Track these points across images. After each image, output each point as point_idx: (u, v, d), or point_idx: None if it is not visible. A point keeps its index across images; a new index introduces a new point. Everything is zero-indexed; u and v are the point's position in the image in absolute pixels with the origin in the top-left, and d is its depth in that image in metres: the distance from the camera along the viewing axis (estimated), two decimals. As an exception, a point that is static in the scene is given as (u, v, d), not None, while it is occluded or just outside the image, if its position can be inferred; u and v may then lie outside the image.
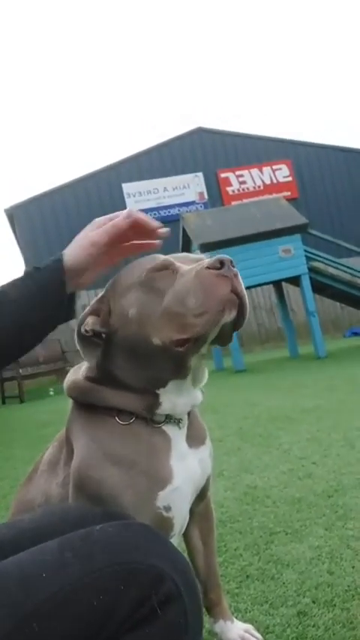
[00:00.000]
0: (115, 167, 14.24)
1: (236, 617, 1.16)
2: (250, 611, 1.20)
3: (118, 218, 0.87)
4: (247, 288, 6.14)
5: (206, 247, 6.74)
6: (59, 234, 13.55)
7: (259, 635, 1.08)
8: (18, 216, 13.29)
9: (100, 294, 0.92)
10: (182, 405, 0.89)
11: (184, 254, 0.94)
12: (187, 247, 7.69)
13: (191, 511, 1.00)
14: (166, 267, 0.84)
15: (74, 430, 0.92)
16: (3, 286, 0.81)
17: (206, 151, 14.93)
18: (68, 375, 0.97)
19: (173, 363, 0.84)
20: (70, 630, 0.58)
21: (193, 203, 14.61)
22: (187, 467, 0.91)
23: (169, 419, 0.90)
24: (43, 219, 13.37)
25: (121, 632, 0.60)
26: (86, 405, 0.92)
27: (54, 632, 0.57)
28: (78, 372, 0.96)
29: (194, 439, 0.96)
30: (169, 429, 0.90)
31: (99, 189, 13.94)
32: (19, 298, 0.79)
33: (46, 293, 0.81)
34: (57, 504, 0.88)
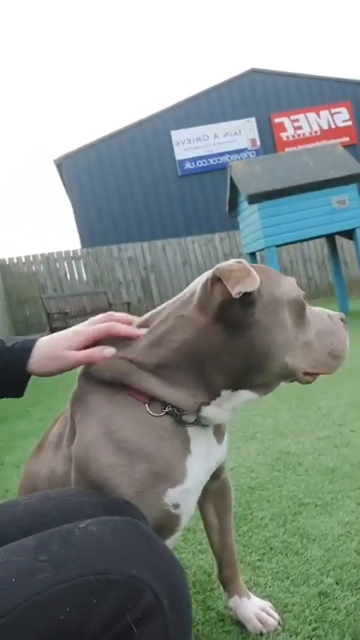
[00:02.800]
0: (163, 114, 13.79)
1: (255, 592, 1.13)
2: (269, 587, 1.16)
3: (95, 350, 0.84)
4: (299, 241, 5.92)
5: (254, 198, 6.46)
6: (105, 184, 13.46)
7: (276, 615, 1.04)
8: (66, 166, 13.25)
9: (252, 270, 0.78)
10: (222, 415, 0.85)
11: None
12: (234, 198, 7.41)
13: (206, 489, 0.95)
14: (303, 295, 0.86)
15: (83, 407, 0.85)
16: None
17: (259, 95, 14.16)
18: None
19: (273, 380, 0.84)
20: None
21: (244, 150, 14.03)
22: (203, 465, 0.87)
23: (197, 422, 0.84)
24: (89, 169, 13.29)
25: None
26: (108, 384, 0.84)
27: None
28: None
29: (219, 433, 0.92)
30: (191, 429, 0.84)
31: (146, 138, 13.61)
32: None
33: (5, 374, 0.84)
34: (56, 489, 0.83)
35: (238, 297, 0.72)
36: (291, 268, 11.26)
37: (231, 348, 0.78)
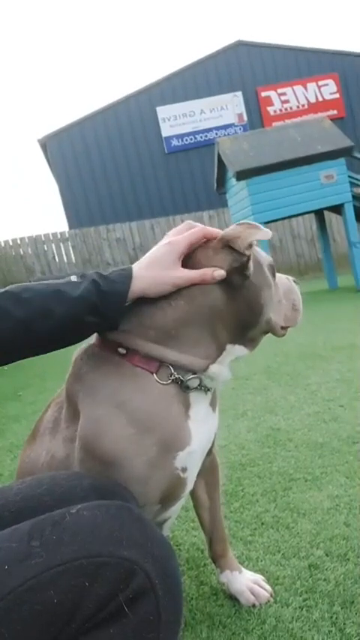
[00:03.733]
0: (148, 90, 13.54)
1: (247, 566, 1.15)
2: (261, 560, 1.19)
3: (205, 271, 0.82)
4: (287, 217, 5.91)
5: (242, 174, 6.42)
6: (91, 163, 13.27)
7: (268, 587, 1.06)
8: (51, 145, 13.01)
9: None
10: (225, 372, 0.90)
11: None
12: (222, 175, 7.34)
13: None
14: None
15: (86, 385, 0.85)
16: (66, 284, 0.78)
17: (245, 68, 13.92)
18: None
19: (259, 335, 0.94)
20: (27, 629, 0.54)
21: (231, 125, 13.84)
22: (203, 430, 0.90)
23: (200, 386, 0.87)
24: (74, 148, 13.06)
25: (81, 632, 0.56)
26: (108, 354, 0.85)
27: (9, 631, 0.54)
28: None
29: (214, 404, 0.96)
30: (193, 395, 0.87)
31: (131, 115, 13.37)
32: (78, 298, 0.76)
33: (105, 304, 0.78)
34: (48, 474, 0.84)
35: (248, 252, 0.82)
36: (280, 246, 11.25)
37: (232, 307, 0.86)
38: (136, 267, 0.82)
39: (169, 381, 0.84)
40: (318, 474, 1.56)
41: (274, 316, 0.94)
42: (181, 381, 0.84)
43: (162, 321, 0.83)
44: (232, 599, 1.07)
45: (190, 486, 0.91)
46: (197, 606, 1.07)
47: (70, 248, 10.46)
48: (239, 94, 13.93)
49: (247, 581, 1.07)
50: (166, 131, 13.63)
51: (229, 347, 0.88)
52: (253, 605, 1.03)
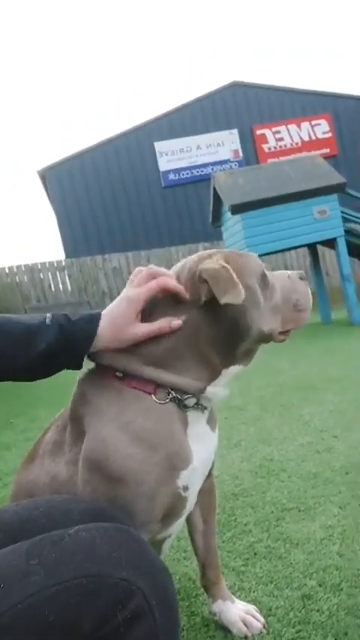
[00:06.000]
0: (147, 125, 13.91)
1: (239, 597, 1.14)
2: (254, 591, 1.17)
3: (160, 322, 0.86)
4: (281, 251, 5.97)
5: (237, 208, 6.54)
6: (89, 195, 13.49)
7: (261, 618, 1.05)
8: (50, 177, 13.25)
9: (225, 258, 0.87)
10: (222, 392, 0.91)
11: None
12: (217, 208, 7.49)
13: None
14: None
15: (92, 407, 0.87)
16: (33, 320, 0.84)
17: (241, 107, 14.36)
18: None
19: (253, 349, 0.91)
20: None
21: (227, 161, 14.17)
22: (203, 449, 0.92)
23: (197, 405, 0.89)
24: (73, 180, 13.30)
25: None
26: (109, 380, 0.87)
27: None
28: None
29: (212, 422, 0.97)
30: (191, 413, 0.89)
31: (129, 149, 13.69)
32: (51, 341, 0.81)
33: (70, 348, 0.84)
34: (44, 497, 0.85)
35: (224, 302, 0.80)
36: (274, 278, 11.36)
37: (217, 330, 0.85)
38: (100, 326, 0.85)
39: (167, 401, 0.86)
40: (311, 504, 1.56)
41: (267, 325, 0.90)
42: (179, 399, 0.87)
43: (155, 349, 0.86)
44: (224, 629, 1.05)
45: (190, 505, 0.92)
46: (188, 637, 1.05)
47: (67, 277, 10.53)
48: (235, 131, 14.34)
49: (239, 612, 1.05)
50: (163, 165, 13.93)
51: (224, 372, 0.89)
52: (245, 637, 1.02)
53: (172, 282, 0.87)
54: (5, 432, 3.24)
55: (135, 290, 0.87)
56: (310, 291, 0.97)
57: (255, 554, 1.33)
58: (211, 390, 0.88)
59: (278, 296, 0.93)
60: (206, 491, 1.06)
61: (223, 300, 0.80)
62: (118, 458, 0.82)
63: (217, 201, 7.30)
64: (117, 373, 0.87)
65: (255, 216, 6.59)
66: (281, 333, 0.94)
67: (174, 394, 0.86)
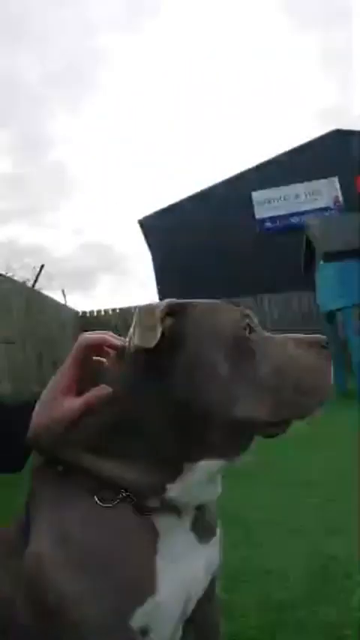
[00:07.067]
0: (244, 175, 14.08)
1: None
2: None
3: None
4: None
5: (330, 257, 6.19)
6: (188, 243, 13.80)
7: None
8: (149, 225, 13.81)
9: (168, 303, 0.68)
10: (197, 495, 0.68)
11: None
12: (310, 258, 7.17)
13: (188, 621, 0.74)
14: (249, 325, 0.69)
15: (34, 505, 0.70)
16: None
17: (342, 155, 14.04)
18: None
19: (232, 439, 0.66)
20: None
21: (327, 209, 13.82)
22: (180, 571, 0.67)
23: (165, 506, 0.66)
24: (171, 229, 13.72)
25: None
26: (54, 466, 0.70)
27: None
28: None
29: (202, 529, 0.71)
30: (160, 517, 0.67)
31: (226, 197, 13.88)
32: None
33: None
34: None
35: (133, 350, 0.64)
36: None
37: (167, 406, 0.64)
38: (36, 407, 0.71)
39: (116, 502, 0.65)
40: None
41: (241, 410, 0.64)
42: (134, 500, 0.65)
43: (92, 431, 0.67)
44: None
45: None
46: None
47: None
48: (335, 179, 14.02)
49: None
50: (259, 213, 13.91)
51: (190, 466, 0.65)
52: None
53: (93, 337, 0.70)
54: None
55: (64, 365, 0.72)
56: (329, 367, 0.69)
57: None
58: (175, 490, 0.65)
59: (266, 370, 0.66)
60: (203, 626, 0.80)
61: (133, 345, 0.64)
62: (50, 585, 0.62)
63: (310, 250, 7.00)
64: (58, 467, 0.69)
65: (349, 264, 6.18)
66: (273, 423, 0.66)
67: (124, 493, 0.65)
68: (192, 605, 0.71)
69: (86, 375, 0.72)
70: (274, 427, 0.67)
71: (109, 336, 0.72)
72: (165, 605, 0.65)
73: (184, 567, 0.68)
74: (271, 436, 0.67)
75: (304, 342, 0.69)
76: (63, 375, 0.71)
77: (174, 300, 0.69)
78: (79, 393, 0.70)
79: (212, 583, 0.76)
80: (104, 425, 0.67)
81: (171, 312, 0.67)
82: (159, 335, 0.62)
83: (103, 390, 0.69)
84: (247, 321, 0.69)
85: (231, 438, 0.66)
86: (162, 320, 0.64)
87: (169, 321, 0.66)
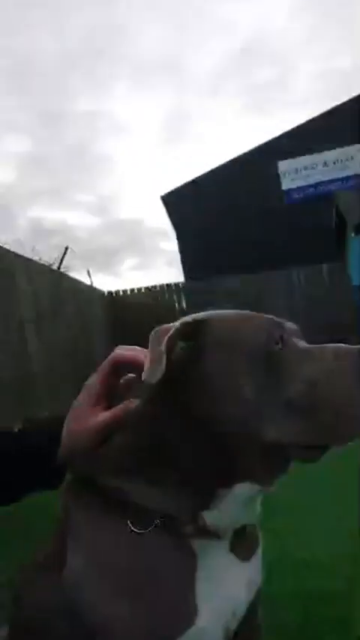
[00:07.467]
0: (269, 144, 13.68)
1: None
2: None
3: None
4: None
5: (361, 229, 5.99)
6: (212, 219, 13.61)
7: None
8: (173, 200, 13.64)
9: (186, 321, 0.64)
10: (235, 519, 0.64)
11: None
12: (342, 230, 6.96)
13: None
14: (282, 337, 0.62)
15: (69, 527, 0.68)
16: None
17: (372, 118, 13.47)
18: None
19: (265, 463, 0.61)
20: None
21: (358, 176, 13.35)
22: (222, 595, 0.64)
23: (201, 531, 0.62)
24: (195, 203, 13.52)
25: None
26: (87, 486, 0.67)
27: None
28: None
29: (243, 549, 0.68)
30: (197, 540, 0.63)
31: (251, 169, 13.55)
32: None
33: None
34: None
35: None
36: None
37: (192, 429, 0.60)
38: (65, 422, 0.69)
39: (150, 528, 0.61)
40: None
41: (269, 432, 0.58)
42: (169, 526, 0.61)
43: (123, 451, 0.64)
44: None
45: None
46: None
47: (183, 298, 10.63)
48: (366, 144, 13.50)
49: None
50: (286, 184, 13.54)
51: (224, 492, 0.61)
52: None
53: (124, 354, 0.67)
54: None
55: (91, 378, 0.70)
56: None
57: None
58: (211, 515, 0.61)
59: (298, 388, 0.59)
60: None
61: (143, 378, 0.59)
62: (87, 610, 0.60)
63: (341, 222, 6.78)
64: (91, 488, 0.66)
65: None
66: (308, 447, 0.59)
67: (159, 520, 0.61)
68: (234, 627, 0.68)
69: (115, 392, 0.69)
70: (309, 452, 0.60)
71: (141, 353, 0.68)
72: (207, 631, 0.62)
73: (225, 590, 0.64)
74: (310, 461, 0.60)
75: (346, 353, 0.60)
76: (90, 388, 0.69)
77: (189, 318, 0.64)
78: (107, 408, 0.68)
79: (254, 601, 0.73)
80: (134, 447, 0.64)
81: (184, 333, 0.62)
82: (163, 371, 0.58)
83: (130, 404, 0.66)
84: (279, 332, 0.62)
85: (264, 462, 0.61)
86: (171, 348, 0.60)
87: (182, 345, 0.62)
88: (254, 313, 0.65)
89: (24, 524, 1.78)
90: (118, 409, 0.67)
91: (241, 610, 0.69)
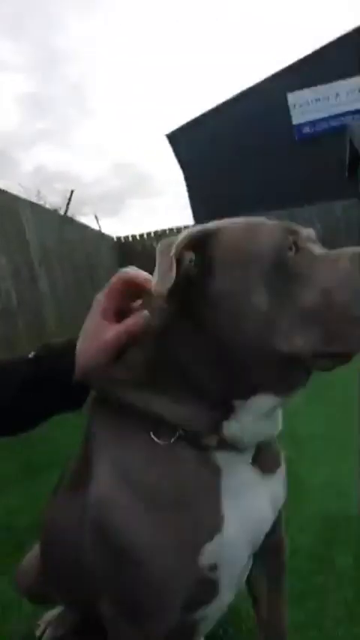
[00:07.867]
0: (277, 76, 13.00)
1: None
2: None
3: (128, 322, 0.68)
4: None
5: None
6: (218, 155, 13.18)
7: None
8: (179, 138, 13.22)
9: (195, 231, 0.61)
10: (255, 432, 0.63)
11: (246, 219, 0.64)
12: (355, 163, 6.72)
13: (255, 556, 0.75)
14: (296, 243, 0.59)
15: (95, 444, 0.69)
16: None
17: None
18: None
19: (282, 374, 0.60)
20: None
21: (372, 108, 12.73)
22: (247, 507, 0.65)
23: (223, 444, 0.63)
24: (202, 141, 13.08)
25: None
26: (107, 408, 0.68)
27: None
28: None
29: (265, 463, 0.69)
30: (221, 454, 0.64)
31: (260, 104, 12.97)
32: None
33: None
34: None
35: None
36: None
37: (205, 341, 0.60)
38: (79, 341, 0.71)
39: (173, 440, 0.62)
40: None
41: (283, 342, 0.56)
42: (193, 438, 0.62)
43: (138, 364, 0.65)
44: None
45: (226, 591, 0.68)
46: None
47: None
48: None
49: None
50: (297, 118, 12.99)
51: (238, 403, 0.61)
52: None
53: (131, 273, 0.67)
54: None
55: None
56: None
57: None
58: (231, 426, 0.61)
59: (312, 295, 0.56)
60: (270, 549, 0.80)
61: (152, 289, 0.58)
62: (115, 525, 0.62)
63: (354, 154, 6.53)
64: (113, 404, 0.67)
65: None
66: (323, 355, 0.57)
67: (182, 431, 0.62)
68: (259, 541, 0.71)
69: (124, 310, 0.69)
70: (324, 360, 0.58)
71: (145, 274, 0.68)
72: (233, 541, 0.64)
73: (250, 502, 0.66)
74: (328, 369, 0.59)
75: None
76: (99, 303, 0.69)
77: (197, 228, 0.61)
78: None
79: (278, 517, 0.75)
80: (150, 361, 0.64)
81: (193, 244, 0.59)
82: (173, 279, 0.56)
83: (141, 316, 0.66)
84: (293, 238, 0.59)
85: (281, 373, 0.59)
86: (179, 258, 0.58)
87: (190, 255, 0.60)
88: (265, 220, 0.63)
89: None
90: (129, 323, 0.67)
91: (267, 524, 0.71)
